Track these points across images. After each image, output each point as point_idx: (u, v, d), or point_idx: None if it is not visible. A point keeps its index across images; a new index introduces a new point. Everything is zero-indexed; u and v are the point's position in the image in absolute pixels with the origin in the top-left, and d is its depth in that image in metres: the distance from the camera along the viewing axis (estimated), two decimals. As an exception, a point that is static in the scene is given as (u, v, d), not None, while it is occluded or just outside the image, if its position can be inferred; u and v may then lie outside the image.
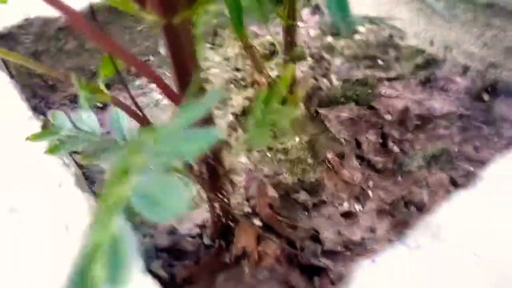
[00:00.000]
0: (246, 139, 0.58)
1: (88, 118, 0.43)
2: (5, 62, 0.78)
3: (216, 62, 0.83)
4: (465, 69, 0.76)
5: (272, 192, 0.55)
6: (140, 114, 0.39)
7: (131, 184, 0.17)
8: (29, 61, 0.39)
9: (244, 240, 0.46)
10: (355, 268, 0.32)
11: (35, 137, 0.39)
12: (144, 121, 0.40)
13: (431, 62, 0.80)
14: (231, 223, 0.47)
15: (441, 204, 0.36)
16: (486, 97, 0.71)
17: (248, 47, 0.61)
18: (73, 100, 0.80)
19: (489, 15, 0.71)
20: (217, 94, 0.21)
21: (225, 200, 0.45)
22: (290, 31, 0.62)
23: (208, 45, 0.91)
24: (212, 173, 0.42)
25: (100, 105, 0.80)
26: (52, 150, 0.38)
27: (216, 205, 0.45)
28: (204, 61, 0.84)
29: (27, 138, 0.39)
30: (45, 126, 0.50)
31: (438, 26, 0.80)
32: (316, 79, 0.75)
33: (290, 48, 0.62)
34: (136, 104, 0.40)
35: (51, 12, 0.78)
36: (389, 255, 0.32)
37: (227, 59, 0.83)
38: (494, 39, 0.71)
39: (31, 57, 0.80)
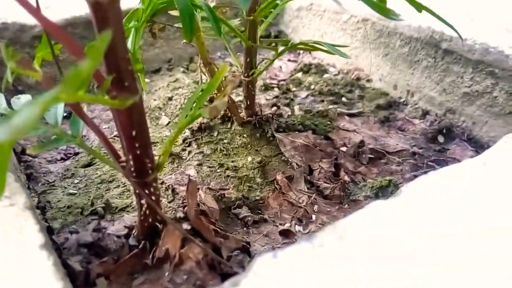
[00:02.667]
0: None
1: (25, 101, 0.43)
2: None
3: (186, 84, 0.84)
4: (425, 113, 0.78)
5: (213, 204, 0.54)
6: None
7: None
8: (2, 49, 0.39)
9: (169, 242, 0.44)
10: (256, 261, 0.31)
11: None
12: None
13: (392, 104, 0.82)
14: (158, 225, 0.46)
15: (355, 211, 0.36)
16: (441, 139, 0.72)
17: (207, 64, 0.63)
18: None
19: (448, 62, 0.74)
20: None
21: (154, 198, 0.44)
22: (250, 53, 0.64)
23: (182, 69, 0.93)
24: (139, 166, 0.41)
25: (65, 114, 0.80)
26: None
27: (144, 202, 0.44)
28: (175, 82, 0.86)
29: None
30: None
31: (401, 71, 0.83)
32: (278, 107, 0.77)
33: (249, 69, 0.64)
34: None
35: (29, 19, 0.80)
36: (291, 251, 0.31)
37: (196, 82, 0.84)
38: (453, 85, 0.74)
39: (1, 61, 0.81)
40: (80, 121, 0.43)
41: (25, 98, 0.43)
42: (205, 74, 0.66)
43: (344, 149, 0.70)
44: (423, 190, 0.38)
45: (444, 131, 0.73)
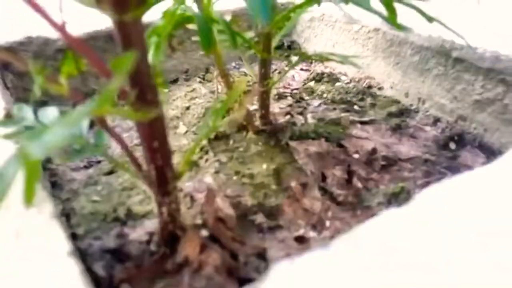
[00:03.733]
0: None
1: (51, 113, 0.46)
2: (2, 76, 0.83)
3: (202, 93, 0.87)
4: (436, 120, 0.79)
5: (229, 211, 0.56)
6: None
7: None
8: (30, 64, 0.42)
9: (188, 248, 0.46)
10: (273, 267, 0.32)
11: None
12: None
13: (404, 112, 0.83)
14: (178, 232, 0.48)
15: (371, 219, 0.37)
16: (453, 146, 0.73)
17: (223, 74, 0.65)
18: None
19: (458, 70, 0.75)
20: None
21: (174, 206, 0.46)
22: (264, 64, 0.66)
23: (198, 79, 0.96)
24: (160, 176, 0.43)
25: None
26: (7, 137, 0.41)
27: (165, 210, 0.46)
28: (192, 92, 0.89)
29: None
30: (8, 116, 0.53)
31: (412, 79, 0.84)
32: (292, 115, 0.79)
33: (264, 79, 0.66)
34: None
35: (52, 33, 0.84)
36: (307, 258, 0.33)
37: (212, 92, 0.87)
38: (463, 93, 0.75)
39: (28, 73, 0.84)
40: (104, 133, 0.45)
41: (51, 111, 0.46)
42: (221, 84, 0.68)
43: (356, 156, 0.71)
44: (437, 198, 0.40)
45: (456, 138, 0.74)
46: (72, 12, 0.85)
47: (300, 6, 0.57)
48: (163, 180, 0.44)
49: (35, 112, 0.45)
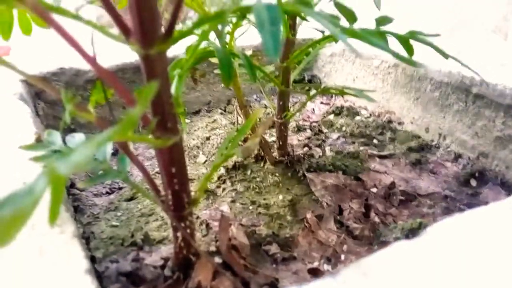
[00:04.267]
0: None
1: (78, 139, 0.48)
2: (35, 104, 0.87)
3: (223, 124, 0.89)
4: (457, 156, 0.78)
5: (243, 239, 0.56)
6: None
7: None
8: (60, 91, 0.46)
9: (201, 274, 0.47)
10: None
11: (27, 148, 0.44)
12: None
13: (424, 147, 0.83)
14: (192, 257, 0.49)
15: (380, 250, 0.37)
16: (474, 183, 0.72)
17: (242, 106, 0.67)
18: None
19: (479, 106, 0.75)
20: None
21: (189, 231, 0.47)
22: (283, 96, 0.68)
23: (220, 111, 0.99)
24: (176, 201, 0.45)
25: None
26: (36, 159, 0.43)
27: (180, 235, 0.47)
28: (213, 123, 0.91)
29: (20, 147, 0.44)
30: (38, 140, 0.56)
31: (433, 114, 0.84)
32: (309, 147, 0.80)
33: (282, 111, 0.68)
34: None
35: (83, 64, 0.89)
36: (315, 285, 0.33)
37: (232, 123, 0.89)
38: (484, 129, 0.74)
39: (59, 101, 0.89)
40: (126, 158, 0.48)
41: (79, 137, 0.49)
42: (240, 116, 0.70)
43: (374, 190, 0.71)
44: (449, 231, 0.39)
45: (477, 174, 0.72)
46: (103, 45, 0.90)
47: (318, 42, 0.60)
48: (180, 205, 0.45)
49: (64, 138, 0.48)
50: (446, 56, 0.56)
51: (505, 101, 0.70)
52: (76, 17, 0.36)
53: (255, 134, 0.40)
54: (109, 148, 0.47)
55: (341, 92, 0.62)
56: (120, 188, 0.74)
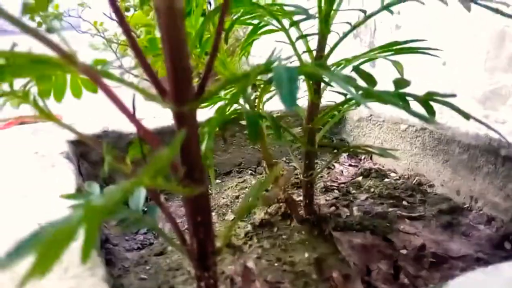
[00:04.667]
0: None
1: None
2: (78, 163, 0.94)
3: (252, 184, 0.92)
4: (490, 219, 0.76)
5: (267, 296, 0.56)
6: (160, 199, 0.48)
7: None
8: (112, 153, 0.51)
9: (223, 326, 0.47)
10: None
11: (68, 197, 0.48)
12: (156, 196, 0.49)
13: (456, 210, 0.81)
14: (215, 309, 0.49)
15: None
16: (508, 246, 0.69)
17: (270, 166, 0.70)
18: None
19: (509, 168, 0.74)
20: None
21: (212, 281, 0.48)
22: (309, 156, 0.70)
23: (250, 171, 1.02)
24: (201, 250, 0.47)
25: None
26: (75, 207, 0.47)
27: (203, 285, 0.48)
28: (243, 182, 0.94)
29: (61, 195, 0.49)
30: (79, 191, 0.60)
31: (463, 176, 0.83)
32: (337, 207, 0.80)
33: (308, 170, 0.70)
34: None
35: (125, 128, 0.97)
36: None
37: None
38: (517, 192, 0.73)
39: (100, 161, 0.96)
40: (156, 208, 0.51)
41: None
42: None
43: (404, 251, 0.70)
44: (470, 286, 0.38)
45: (511, 237, 0.70)
46: (143, 110, 0.98)
47: (341, 104, 0.63)
48: (204, 254, 0.47)
49: (102, 189, 0.52)
50: (467, 117, 0.58)
51: (536, 162, 0.69)
52: (121, 80, 0.41)
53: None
54: (142, 196, 0.51)
55: (366, 151, 0.64)
56: (151, 244, 0.76)
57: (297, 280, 0.62)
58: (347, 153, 1.10)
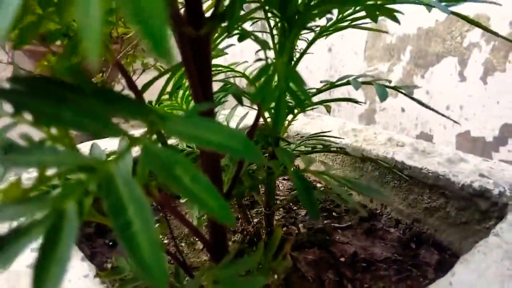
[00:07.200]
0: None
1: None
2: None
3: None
4: (397, 222, 1.01)
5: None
6: (181, 258, 0.57)
7: None
8: None
9: None
10: None
11: (106, 276, 0.55)
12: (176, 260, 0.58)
13: (371, 216, 1.05)
14: None
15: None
16: (413, 245, 0.94)
17: (241, 205, 0.82)
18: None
19: (410, 183, 0.98)
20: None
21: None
22: (269, 187, 0.85)
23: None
24: None
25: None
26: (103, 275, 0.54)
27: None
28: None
29: (98, 275, 0.55)
30: (112, 267, 0.66)
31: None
32: (287, 227, 0.97)
33: (270, 202, 0.85)
34: (177, 248, 0.58)
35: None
36: None
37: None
38: (415, 201, 0.98)
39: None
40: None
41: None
42: (245, 231, 0.85)
43: (342, 259, 0.90)
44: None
45: (415, 239, 0.95)
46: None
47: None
48: None
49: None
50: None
51: (429, 181, 0.94)
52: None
53: (282, 253, 0.56)
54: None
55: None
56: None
57: (274, 300, 0.78)
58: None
